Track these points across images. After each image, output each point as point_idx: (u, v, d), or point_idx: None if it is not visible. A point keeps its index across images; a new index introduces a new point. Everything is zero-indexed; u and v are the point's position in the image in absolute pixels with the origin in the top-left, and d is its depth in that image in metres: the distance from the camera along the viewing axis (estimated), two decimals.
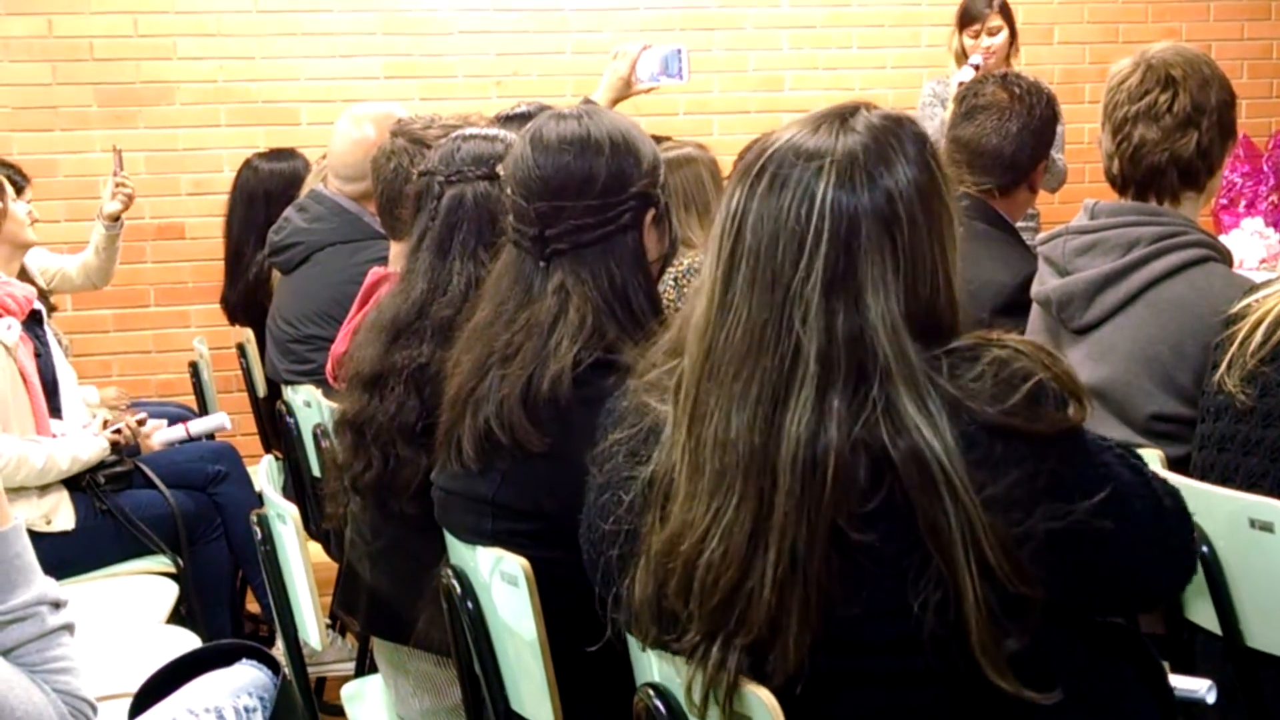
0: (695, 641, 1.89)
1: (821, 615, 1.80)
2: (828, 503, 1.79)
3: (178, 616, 4.47)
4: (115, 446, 4.76)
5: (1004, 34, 6.48)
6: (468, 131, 3.19)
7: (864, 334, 1.82)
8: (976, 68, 6.35)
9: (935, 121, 6.53)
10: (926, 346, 1.85)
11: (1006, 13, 6.52)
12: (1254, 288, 2.84)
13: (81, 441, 4.63)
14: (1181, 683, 2.21)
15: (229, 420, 5.42)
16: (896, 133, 1.92)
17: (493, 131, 3.20)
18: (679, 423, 1.95)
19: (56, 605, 2.18)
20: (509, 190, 2.68)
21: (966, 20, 6.56)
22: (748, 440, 1.84)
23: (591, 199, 2.58)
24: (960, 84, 6.23)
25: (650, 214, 2.65)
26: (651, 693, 2.04)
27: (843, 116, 1.93)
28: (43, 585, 2.17)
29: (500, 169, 3.03)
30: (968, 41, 6.53)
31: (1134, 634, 2.19)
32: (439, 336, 2.96)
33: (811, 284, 1.83)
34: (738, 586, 1.84)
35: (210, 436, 5.42)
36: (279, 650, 3.40)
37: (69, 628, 2.20)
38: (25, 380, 4.55)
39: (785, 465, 1.81)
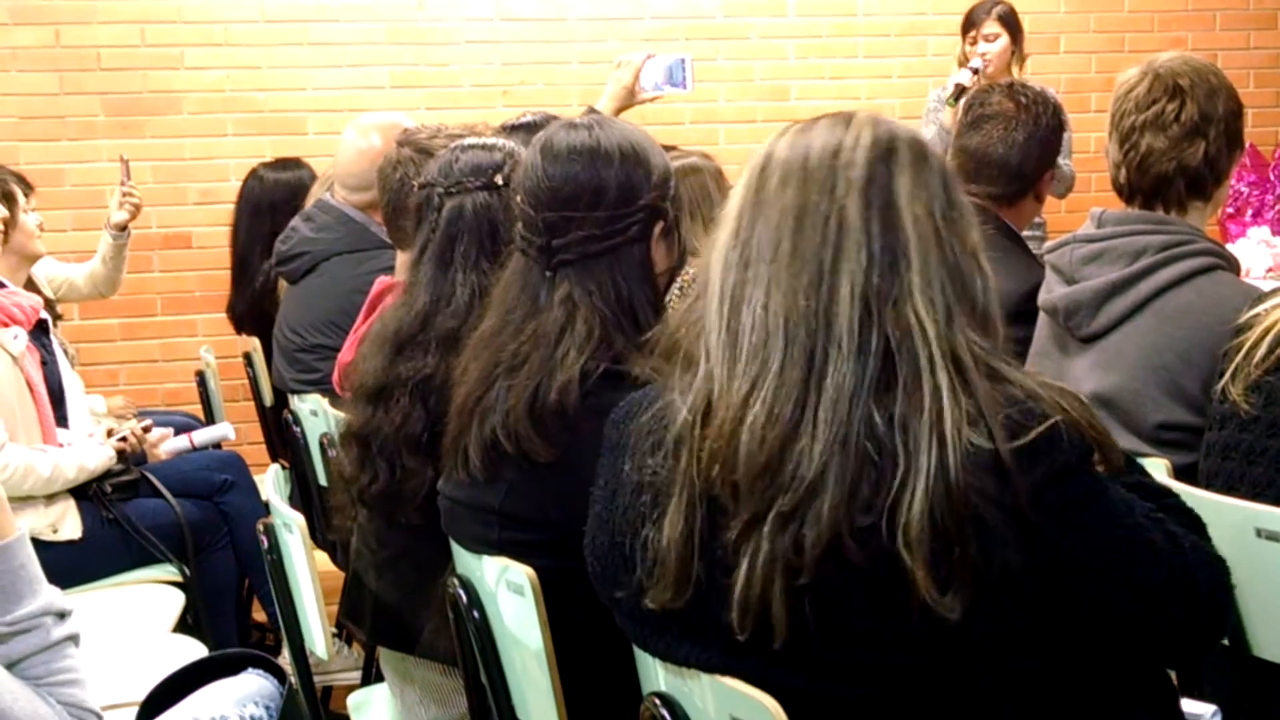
0: (744, 525, 1.88)
1: (854, 490, 1.80)
2: (872, 379, 1.83)
3: (184, 625, 4.47)
4: (121, 455, 4.76)
5: (1001, 41, 6.51)
6: (466, 142, 3.18)
7: (898, 225, 1.88)
8: (976, 71, 6.38)
9: (935, 127, 6.56)
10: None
11: (1008, 21, 6.54)
12: (1262, 297, 2.83)
13: (88, 451, 4.63)
14: (1187, 706, 2.20)
15: (233, 431, 5.41)
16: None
17: (491, 140, 3.19)
18: (716, 325, 1.96)
19: (62, 616, 2.18)
20: (518, 198, 2.68)
21: (967, 27, 6.63)
22: (795, 306, 1.87)
23: (599, 210, 2.57)
24: (956, 85, 6.30)
25: (659, 226, 2.64)
26: (658, 702, 2.04)
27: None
28: (48, 596, 2.17)
29: (499, 178, 3.03)
30: (968, 49, 6.58)
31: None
32: (443, 348, 2.96)
33: (855, 170, 1.90)
34: (785, 447, 1.84)
35: (216, 446, 5.42)
36: (285, 659, 3.41)
37: (74, 638, 2.20)
38: (32, 389, 4.56)
39: (843, 327, 1.85)
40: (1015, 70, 6.50)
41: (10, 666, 2.10)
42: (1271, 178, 7.46)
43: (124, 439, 4.81)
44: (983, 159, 3.93)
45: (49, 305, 5.35)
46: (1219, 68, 3.33)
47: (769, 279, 1.89)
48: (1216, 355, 2.89)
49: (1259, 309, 2.74)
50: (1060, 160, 4.97)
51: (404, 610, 3.07)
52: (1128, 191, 3.29)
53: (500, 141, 3.18)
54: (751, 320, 1.89)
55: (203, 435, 5.31)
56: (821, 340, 1.84)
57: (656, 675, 2.10)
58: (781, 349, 1.86)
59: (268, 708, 2.22)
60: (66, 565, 4.19)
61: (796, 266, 1.88)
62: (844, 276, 1.85)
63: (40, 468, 4.39)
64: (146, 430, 5.04)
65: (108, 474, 4.68)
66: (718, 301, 1.94)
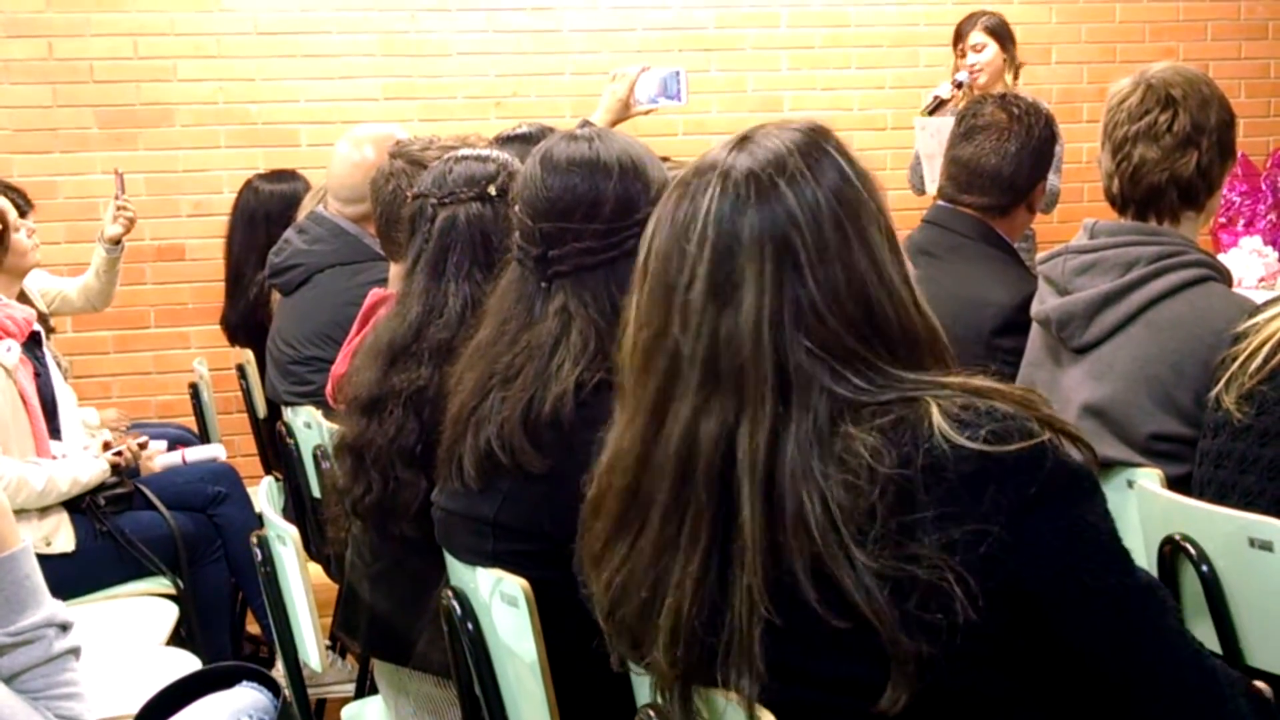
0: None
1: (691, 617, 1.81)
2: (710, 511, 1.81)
3: (178, 638, 4.46)
4: (115, 469, 4.75)
5: (990, 51, 6.54)
6: (460, 153, 3.18)
7: (741, 337, 1.81)
8: (959, 85, 6.40)
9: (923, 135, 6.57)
10: (869, 356, 1.82)
11: (993, 31, 6.57)
12: (1260, 307, 2.83)
13: (81, 464, 4.62)
14: None
15: (224, 452, 5.40)
16: (805, 147, 1.89)
17: (485, 152, 3.19)
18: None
19: (64, 628, 2.19)
20: (516, 208, 2.68)
21: (956, 39, 6.67)
22: (629, 454, 1.88)
23: (596, 223, 2.57)
24: (935, 97, 6.34)
25: None
26: (652, 714, 2.03)
27: (748, 134, 1.93)
28: (51, 607, 2.18)
29: (492, 189, 3.04)
30: (959, 60, 6.62)
31: None
32: (436, 359, 2.96)
33: (695, 290, 1.84)
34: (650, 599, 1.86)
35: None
36: (279, 672, 3.40)
37: (75, 652, 2.21)
38: (25, 402, 4.55)
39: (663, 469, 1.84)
40: (1009, 80, 6.51)
41: (11, 678, 2.11)
42: (1263, 187, 7.45)
43: (119, 453, 4.80)
44: (975, 170, 3.92)
45: (42, 318, 5.34)
46: (1211, 78, 3.34)
47: (623, 417, 1.94)
48: (1209, 366, 2.89)
49: (1257, 319, 2.74)
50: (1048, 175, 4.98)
51: (398, 622, 3.06)
52: (1120, 202, 3.29)
53: (494, 153, 3.18)
54: (607, 460, 1.95)
55: (194, 454, 5.31)
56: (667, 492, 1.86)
57: (651, 687, 2.10)
58: (623, 503, 1.90)
59: None
60: (60, 578, 4.16)
61: (638, 406, 1.90)
62: (669, 422, 1.86)
63: (33, 480, 4.38)
64: (143, 447, 5.03)
65: (101, 486, 4.67)
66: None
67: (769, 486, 1.76)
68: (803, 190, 1.84)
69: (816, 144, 1.90)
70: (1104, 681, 1.82)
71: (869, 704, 1.77)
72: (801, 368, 1.79)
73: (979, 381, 1.83)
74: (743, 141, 1.91)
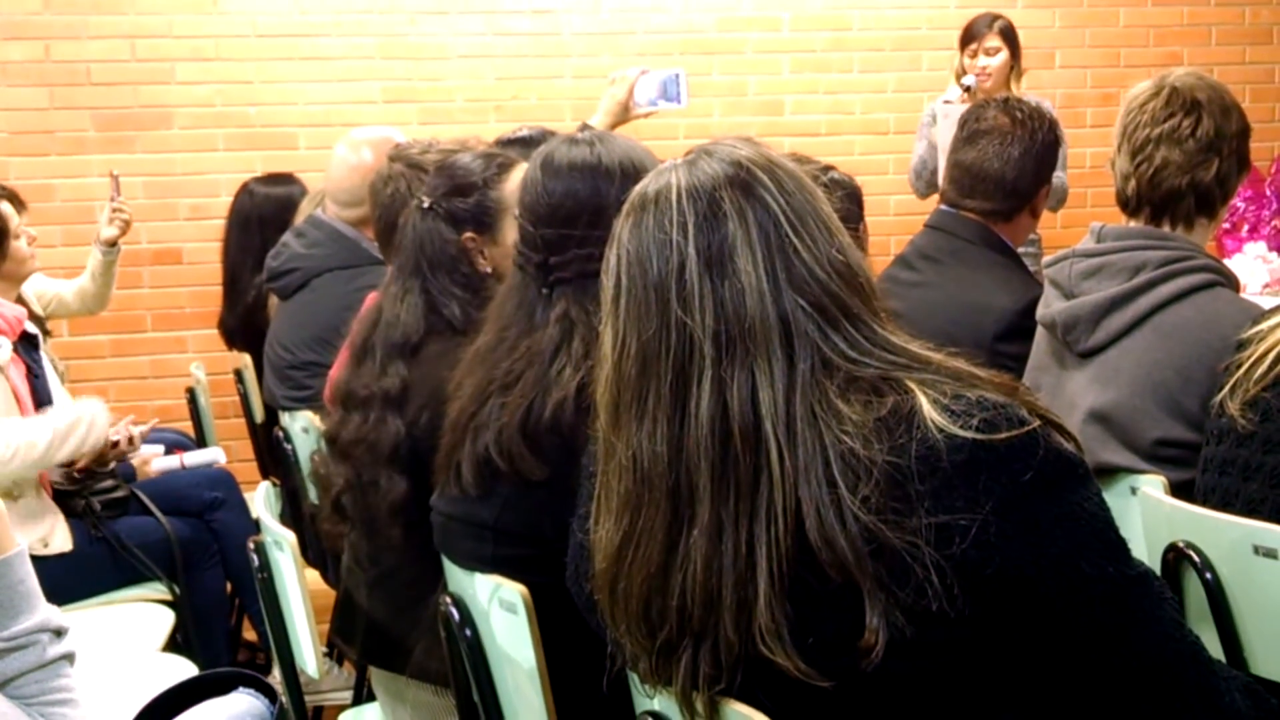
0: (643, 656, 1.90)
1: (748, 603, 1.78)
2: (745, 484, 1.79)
3: (174, 644, 4.44)
4: (111, 473, 4.72)
5: (1001, 56, 6.48)
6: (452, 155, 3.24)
7: (745, 301, 1.81)
8: (967, 89, 6.35)
9: (924, 143, 6.53)
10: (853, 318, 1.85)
11: (1007, 35, 6.51)
12: (1265, 314, 2.82)
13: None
14: None
15: (223, 455, 5.38)
16: (753, 155, 1.92)
17: (451, 160, 3.24)
18: (596, 474, 1.97)
19: (58, 633, 2.19)
20: (516, 213, 2.67)
21: (966, 40, 6.58)
22: (649, 451, 1.84)
23: (599, 229, 2.54)
24: (945, 102, 6.27)
25: None
26: None
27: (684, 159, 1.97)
28: (45, 613, 2.18)
29: (426, 200, 3.08)
30: (967, 61, 6.54)
31: None
32: (400, 355, 2.99)
33: (688, 270, 1.83)
34: (662, 594, 1.84)
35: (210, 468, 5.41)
36: (275, 678, 3.39)
37: (69, 657, 2.20)
38: (18, 399, 4.53)
39: (697, 456, 1.81)
40: (1014, 85, 6.48)
41: (4, 684, 2.10)
42: (1268, 193, 7.44)
43: (115, 444, 4.75)
44: (978, 174, 3.90)
45: (38, 321, 5.33)
46: (1228, 87, 3.33)
47: (631, 421, 1.87)
48: (1215, 372, 2.87)
49: (1262, 325, 2.73)
50: (1054, 173, 4.96)
51: (395, 629, 3.06)
52: (1134, 204, 3.27)
53: (452, 162, 3.22)
54: (618, 465, 1.89)
55: (193, 458, 5.29)
56: (685, 485, 1.83)
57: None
58: (648, 497, 1.86)
59: None
60: (55, 583, 4.14)
61: (650, 403, 1.85)
62: (693, 403, 1.82)
63: (38, 439, 4.32)
64: (143, 436, 4.97)
65: (98, 490, 4.65)
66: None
67: (790, 435, 1.77)
68: (770, 169, 1.89)
69: (762, 154, 1.94)
70: (1100, 672, 1.82)
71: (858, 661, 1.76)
72: (799, 322, 1.81)
73: (961, 365, 1.85)
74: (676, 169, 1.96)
